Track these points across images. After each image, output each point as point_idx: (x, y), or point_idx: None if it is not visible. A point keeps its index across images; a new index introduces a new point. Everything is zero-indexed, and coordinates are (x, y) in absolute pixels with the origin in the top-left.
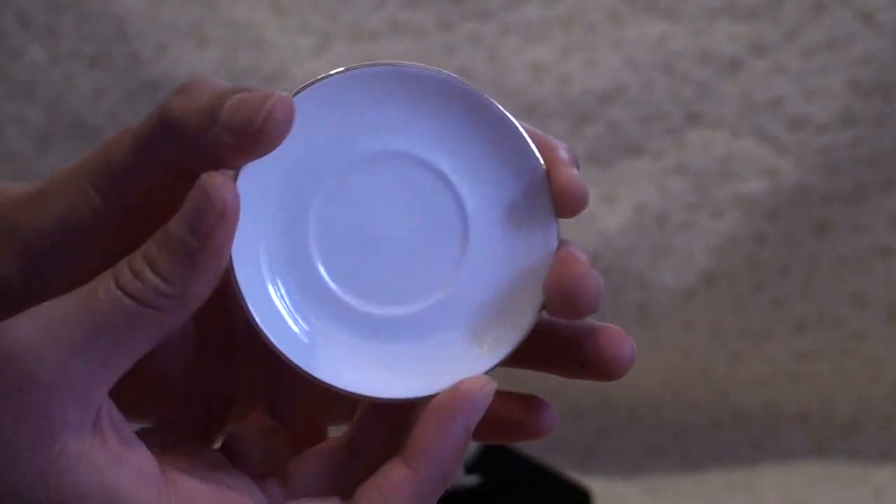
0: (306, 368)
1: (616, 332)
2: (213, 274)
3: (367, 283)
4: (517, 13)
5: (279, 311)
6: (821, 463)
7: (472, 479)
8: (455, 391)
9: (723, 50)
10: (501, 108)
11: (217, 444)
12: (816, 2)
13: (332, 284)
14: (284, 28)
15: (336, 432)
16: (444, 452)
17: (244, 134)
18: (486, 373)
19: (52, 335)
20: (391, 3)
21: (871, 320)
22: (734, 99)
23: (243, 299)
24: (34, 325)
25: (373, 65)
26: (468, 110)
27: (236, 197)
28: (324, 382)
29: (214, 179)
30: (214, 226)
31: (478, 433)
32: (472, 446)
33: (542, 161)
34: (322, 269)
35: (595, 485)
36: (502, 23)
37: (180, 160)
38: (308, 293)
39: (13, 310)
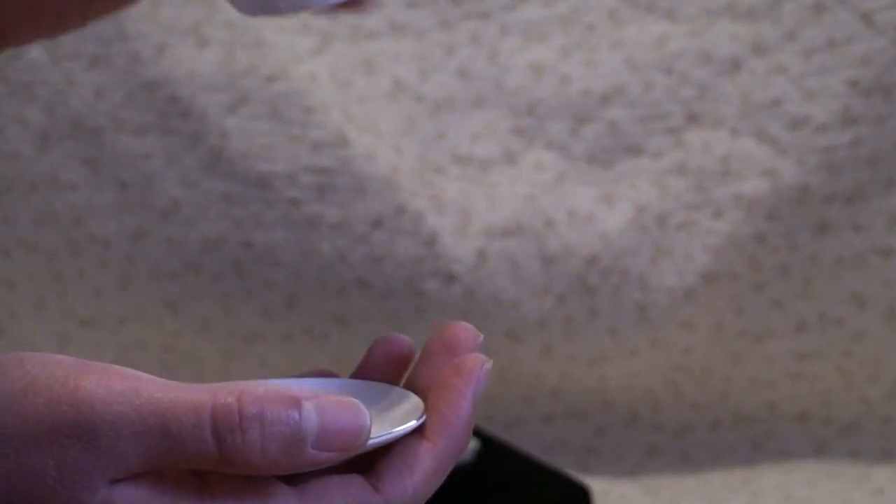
0: None
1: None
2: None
3: None
4: (517, 13)
5: None
6: (821, 463)
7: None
8: (460, 371)
9: (723, 50)
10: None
11: None
12: (816, 2)
13: None
14: (284, 28)
15: None
16: (459, 424)
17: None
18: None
19: (124, 412)
20: (391, 3)
21: (871, 320)
22: (734, 99)
23: None
24: (112, 396)
25: None
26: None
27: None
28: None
29: (366, 420)
30: (335, 457)
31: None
32: (473, 447)
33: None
34: None
35: (595, 484)
36: (502, 23)
37: None
38: None
39: None
